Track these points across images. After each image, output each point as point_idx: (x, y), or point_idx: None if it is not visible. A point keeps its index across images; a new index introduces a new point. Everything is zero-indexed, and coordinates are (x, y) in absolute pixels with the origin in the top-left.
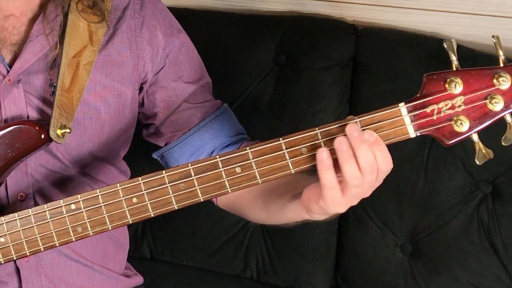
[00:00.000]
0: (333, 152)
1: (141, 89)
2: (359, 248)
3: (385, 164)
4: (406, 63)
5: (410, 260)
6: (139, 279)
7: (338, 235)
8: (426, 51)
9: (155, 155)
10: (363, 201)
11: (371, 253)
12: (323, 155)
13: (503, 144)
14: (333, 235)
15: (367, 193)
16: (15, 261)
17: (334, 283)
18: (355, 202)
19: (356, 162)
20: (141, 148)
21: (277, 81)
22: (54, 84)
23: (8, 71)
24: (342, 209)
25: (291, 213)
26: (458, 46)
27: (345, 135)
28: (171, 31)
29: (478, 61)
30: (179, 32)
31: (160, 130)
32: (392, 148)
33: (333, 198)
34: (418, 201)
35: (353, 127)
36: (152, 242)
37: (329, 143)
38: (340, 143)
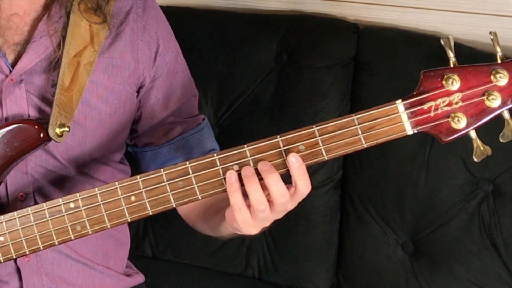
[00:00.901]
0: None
1: (138, 92)
2: (360, 246)
3: (305, 187)
4: (407, 62)
5: (411, 258)
6: (140, 278)
7: (340, 234)
8: (427, 50)
9: (129, 149)
10: (364, 200)
11: (373, 251)
12: (231, 178)
13: (501, 140)
14: (334, 233)
15: (279, 216)
16: (15, 260)
17: (336, 281)
18: (266, 224)
19: (265, 188)
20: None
21: (279, 80)
22: (56, 84)
23: (10, 71)
24: (253, 230)
25: (225, 229)
26: (459, 45)
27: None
28: (169, 38)
29: (479, 60)
30: (174, 41)
31: (140, 137)
32: (394, 146)
33: (243, 220)
34: (419, 200)
35: (263, 163)
36: (153, 240)
37: (327, 140)
38: (245, 169)
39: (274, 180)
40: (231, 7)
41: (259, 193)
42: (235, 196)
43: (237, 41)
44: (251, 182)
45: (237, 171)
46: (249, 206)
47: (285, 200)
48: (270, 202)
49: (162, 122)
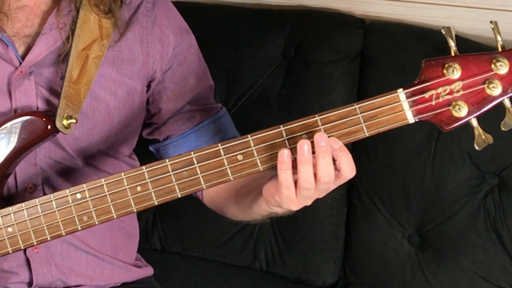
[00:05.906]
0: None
1: (149, 86)
2: (367, 239)
3: (349, 170)
4: (413, 56)
5: (418, 251)
6: (149, 270)
7: (347, 227)
8: (433, 44)
9: (151, 148)
10: (370, 193)
11: (379, 244)
12: (284, 156)
13: (503, 129)
14: (341, 226)
15: (321, 195)
16: (25, 252)
17: (342, 274)
18: (308, 202)
19: (314, 168)
20: (149, 141)
21: (286, 74)
22: (64, 77)
23: (20, 63)
24: (294, 207)
25: (256, 207)
26: (465, 39)
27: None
28: (180, 32)
29: None
30: (188, 33)
31: (160, 129)
32: (400, 140)
33: (287, 196)
34: (425, 193)
35: (321, 136)
36: (162, 233)
37: (330, 129)
38: (301, 146)
39: (325, 160)
40: (239, 2)
41: (310, 173)
42: (285, 174)
43: (245, 35)
44: (305, 163)
45: (241, 160)
46: (295, 183)
47: (329, 181)
48: (315, 180)
49: (180, 111)
